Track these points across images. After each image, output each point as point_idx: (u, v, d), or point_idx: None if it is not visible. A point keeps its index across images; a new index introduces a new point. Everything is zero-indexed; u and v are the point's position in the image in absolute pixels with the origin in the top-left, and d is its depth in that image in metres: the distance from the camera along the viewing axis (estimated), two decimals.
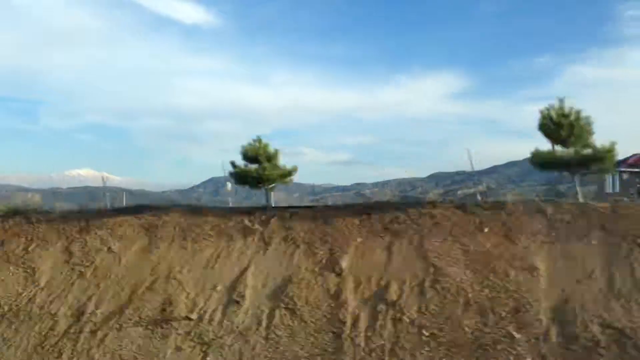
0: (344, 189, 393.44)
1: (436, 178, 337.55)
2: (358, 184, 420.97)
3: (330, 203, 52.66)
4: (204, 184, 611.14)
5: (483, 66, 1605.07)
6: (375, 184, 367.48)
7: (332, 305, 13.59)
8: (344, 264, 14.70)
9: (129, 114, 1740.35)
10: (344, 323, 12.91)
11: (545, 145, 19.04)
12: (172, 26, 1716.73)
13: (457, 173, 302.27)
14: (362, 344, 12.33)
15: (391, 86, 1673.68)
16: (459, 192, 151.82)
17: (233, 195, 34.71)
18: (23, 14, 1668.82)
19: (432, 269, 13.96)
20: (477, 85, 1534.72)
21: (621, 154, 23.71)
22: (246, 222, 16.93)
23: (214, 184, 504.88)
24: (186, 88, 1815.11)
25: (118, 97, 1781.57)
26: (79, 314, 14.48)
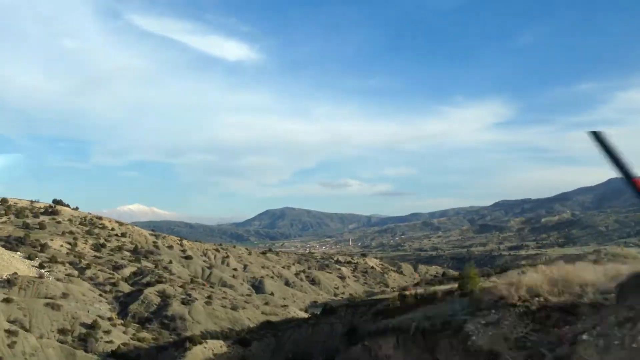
0: (402, 219, 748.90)
1: (502, 206, 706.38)
2: (415, 214, 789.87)
3: (400, 233, 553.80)
4: (259, 216, 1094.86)
5: (526, 94, 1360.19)
6: (433, 214, 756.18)
7: None
8: None
9: (174, 150, 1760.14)
10: None
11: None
12: (216, 64, 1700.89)
13: (524, 200, 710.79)
14: None
15: (433, 116, 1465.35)
16: (543, 219, 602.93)
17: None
18: (73, 57, 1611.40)
19: None
20: (520, 113, 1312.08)
21: None
22: None
23: (270, 216, 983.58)
24: (229, 123, 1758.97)
25: (163, 134, 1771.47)
26: None
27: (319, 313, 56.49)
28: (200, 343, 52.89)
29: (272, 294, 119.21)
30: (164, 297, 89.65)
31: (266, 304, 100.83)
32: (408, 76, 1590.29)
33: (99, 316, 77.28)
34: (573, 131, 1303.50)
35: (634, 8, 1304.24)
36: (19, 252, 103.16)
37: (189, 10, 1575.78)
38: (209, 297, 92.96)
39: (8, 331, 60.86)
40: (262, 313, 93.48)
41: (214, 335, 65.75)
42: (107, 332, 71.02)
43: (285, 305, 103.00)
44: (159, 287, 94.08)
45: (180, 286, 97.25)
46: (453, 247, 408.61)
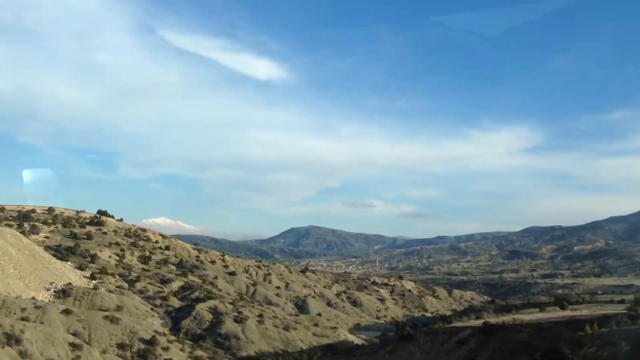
0: (428, 242, 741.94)
1: (531, 232, 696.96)
2: (441, 237, 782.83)
3: (427, 256, 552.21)
4: (284, 234, 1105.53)
5: (555, 120, 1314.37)
6: (459, 238, 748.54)
7: None
8: None
9: (200, 164, 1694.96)
10: None
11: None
12: (246, 82, 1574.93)
13: (554, 228, 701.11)
14: None
15: (459, 139, 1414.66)
16: (575, 248, 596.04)
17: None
18: (105, 71, 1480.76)
19: None
20: (549, 139, 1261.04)
21: None
22: None
23: (294, 234, 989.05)
24: (256, 140, 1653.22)
25: (190, 148, 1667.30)
26: None
27: (397, 339, 54.31)
28: None
29: (319, 314, 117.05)
30: (216, 314, 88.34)
31: (315, 325, 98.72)
32: (435, 98, 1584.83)
33: (156, 331, 76.21)
34: (603, 159, 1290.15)
35: None
36: (69, 262, 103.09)
37: (221, 28, 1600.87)
38: (260, 315, 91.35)
39: (72, 344, 59.94)
40: (314, 335, 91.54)
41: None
42: (166, 349, 69.69)
43: (334, 328, 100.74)
44: (210, 303, 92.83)
45: (230, 303, 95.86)
46: (483, 273, 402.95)
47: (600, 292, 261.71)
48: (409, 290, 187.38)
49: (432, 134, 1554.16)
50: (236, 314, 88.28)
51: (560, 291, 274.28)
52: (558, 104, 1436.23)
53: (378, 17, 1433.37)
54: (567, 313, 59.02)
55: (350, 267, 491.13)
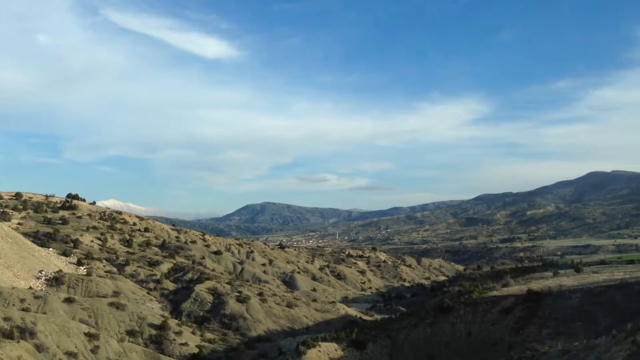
0: (383, 213, 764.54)
1: (484, 199, 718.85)
2: (395, 208, 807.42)
3: (385, 227, 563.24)
4: (239, 211, 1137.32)
5: (502, 91, 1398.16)
6: (414, 208, 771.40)
7: None
8: None
9: (150, 145, 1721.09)
10: None
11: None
12: (195, 61, 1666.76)
13: (505, 194, 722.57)
14: None
15: (410, 113, 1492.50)
16: (528, 212, 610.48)
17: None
18: (46, 52, 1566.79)
19: None
20: (496, 110, 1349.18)
21: None
22: None
23: (250, 211, 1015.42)
24: (207, 119, 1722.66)
25: (139, 130, 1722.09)
26: None
27: (435, 311, 53.47)
28: (314, 346, 49.69)
29: (314, 289, 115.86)
30: (216, 294, 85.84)
31: (314, 300, 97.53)
32: (386, 73, 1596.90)
33: (163, 316, 73.36)
34: (548, 127, 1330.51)
35: (608, 10, 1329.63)
36: (51, 249, 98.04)
37: (168, 7, 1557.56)
38: (260, 294, 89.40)
39: (88, 334, 56.69)
40: (316, 310, 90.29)
41: (324, 338, 62.48)
42: (178, 334, 67.11)
43: (332, 302, 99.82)
44: (208, 284, 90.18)
45: (227, 283, 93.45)
46: (443, 240, 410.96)
47: (559, 253, 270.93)
48: (384, 261, 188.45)
49: (383, 108, 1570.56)
50: (237, 294, 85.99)
51: (521, 254, 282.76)
52: (505, 76, 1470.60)
53: None
54: (591, 277, 59.36)
55: (311, 241, 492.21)
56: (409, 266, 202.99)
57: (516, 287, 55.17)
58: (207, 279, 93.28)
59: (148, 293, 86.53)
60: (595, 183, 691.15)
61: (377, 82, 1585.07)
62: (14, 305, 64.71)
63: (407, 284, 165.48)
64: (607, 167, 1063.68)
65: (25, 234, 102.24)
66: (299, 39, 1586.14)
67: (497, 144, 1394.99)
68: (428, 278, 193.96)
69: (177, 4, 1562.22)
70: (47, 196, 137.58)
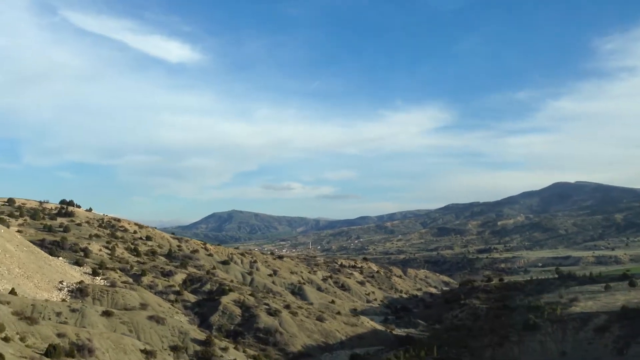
0: (351, 222, 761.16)
1: (452, 209, 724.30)
2: (363, 217, 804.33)
3: (355, 237, 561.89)
4: (205, 219, 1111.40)
5: (464, 100, 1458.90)
6: (381, 217, 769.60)
7: None
8: None
9: (112, 151, 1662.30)
10: None
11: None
12: (157, 64, 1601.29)
13: (472, 204, 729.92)
14: None
15: (374, 120, 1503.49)
16: (499, 222, 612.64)
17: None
18: (2, 54, 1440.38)
19: None
20: (459, 118, 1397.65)
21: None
22: None
23: (216, 219, 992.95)
24: (170, 125, 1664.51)
25: (100, 134, 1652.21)
26: None
27: (520, 328, 51.58)
28: None
29: (333, 302, 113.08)
30: (245, 307, 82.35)
31: (338, 313, 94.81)
32: (350, 80, 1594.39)
33: (204, 331, 69.61)
34: (510, 137, 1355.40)
35: (566, 21, 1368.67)
36: (61, 257, 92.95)
37: (128, 8, 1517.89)
38: (287, 307, 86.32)
39: (144, 351, 52.94)
40: (345, 324, 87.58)
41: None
42: (224, 350, 63.60)
43: (356, 316, 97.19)
44: (232, 295, 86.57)
45: (250, 295, 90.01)
46: (419, 250, 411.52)
47: (540, 264, 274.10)
48: (377, 272, 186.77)
49: (347, 115, 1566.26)
50: (266, 307, 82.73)
51: (502, 265, 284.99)
52: (466, 84, 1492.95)
53: None
54: None
55: (284, 250, 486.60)
56: (400, 277, 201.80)
57: (598, 303, 53.72)
58: (230, 290, 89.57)
59: (172, 305, 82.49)
60: (560, 194, 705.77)
61: (341, 89, 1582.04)
62: (49, 318, 60.26)
63: (403, 295, 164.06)
64: (571, 177, 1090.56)
65: (32, 242, 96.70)
66: (263, 43, 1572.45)
67: (461, 152, 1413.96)
68: (420, 289, 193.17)
69: (137, 5, 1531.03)
70: (41, 202, 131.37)
